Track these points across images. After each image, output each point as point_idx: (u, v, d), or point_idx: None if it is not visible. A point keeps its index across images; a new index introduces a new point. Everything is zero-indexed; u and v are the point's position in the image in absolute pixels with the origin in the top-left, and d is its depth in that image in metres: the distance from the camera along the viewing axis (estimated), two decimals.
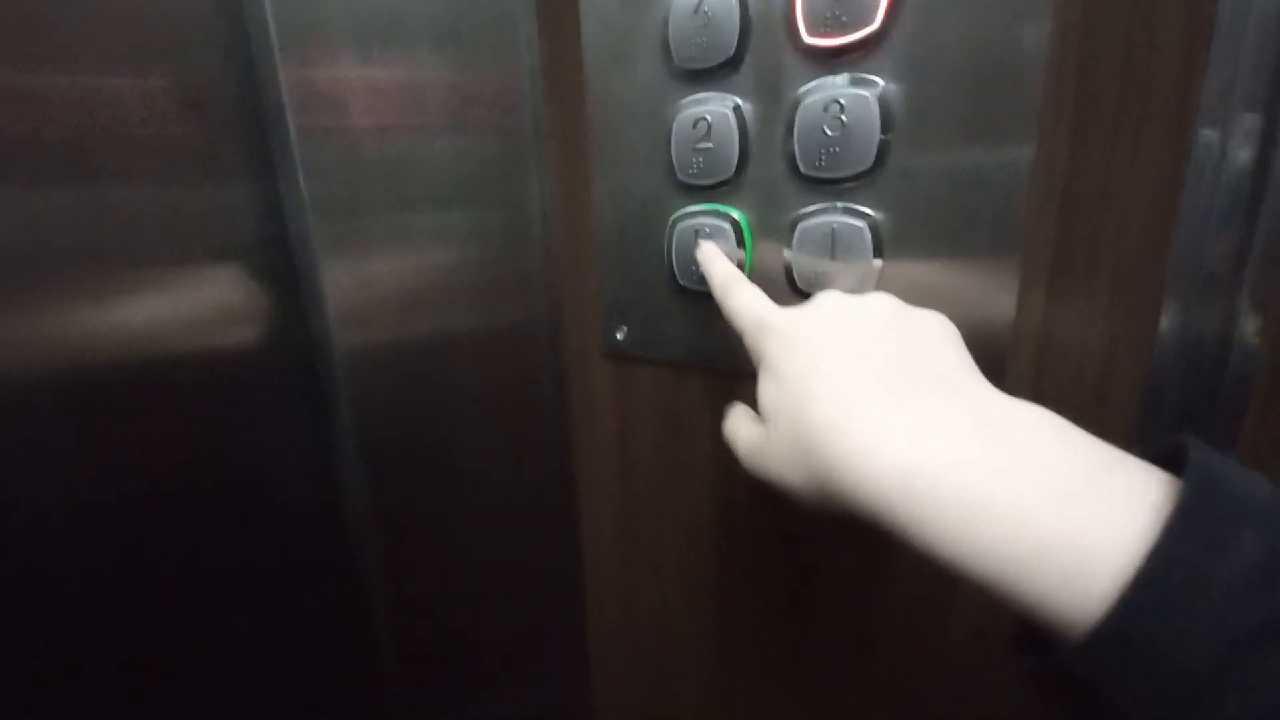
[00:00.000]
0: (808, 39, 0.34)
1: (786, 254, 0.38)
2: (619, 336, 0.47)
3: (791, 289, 0.39)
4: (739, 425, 0.33)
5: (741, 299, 0.34)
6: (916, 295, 0.35)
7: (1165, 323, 0.32)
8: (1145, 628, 0.18)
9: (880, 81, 0.34)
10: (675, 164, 0.40)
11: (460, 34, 0.40)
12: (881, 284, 0.36)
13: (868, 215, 0.36)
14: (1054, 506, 0.21)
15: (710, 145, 0.39)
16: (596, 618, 0.56)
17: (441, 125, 0.41)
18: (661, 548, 0.51)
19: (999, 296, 0.34)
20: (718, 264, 0.37)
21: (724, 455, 0.35)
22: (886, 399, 0.25)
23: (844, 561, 0.44)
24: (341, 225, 0.37)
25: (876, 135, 0.34)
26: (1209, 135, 0.29)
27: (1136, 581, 0.18)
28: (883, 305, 0.30)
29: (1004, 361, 0.35)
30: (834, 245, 0.37)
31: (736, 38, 0.36)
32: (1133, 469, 0.21)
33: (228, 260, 0.36)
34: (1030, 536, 0.20)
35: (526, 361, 0.48)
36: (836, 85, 0.35)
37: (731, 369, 0.43)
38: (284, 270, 0.37)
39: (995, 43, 0.31)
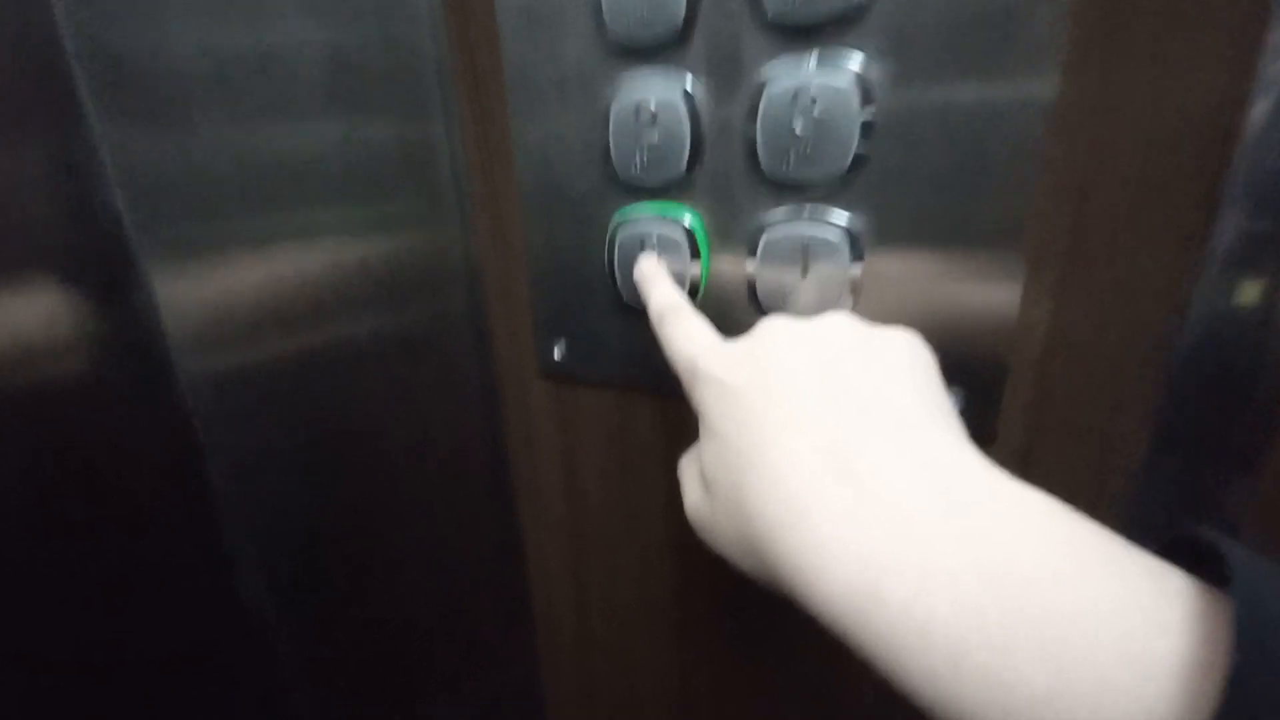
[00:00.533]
0: (771, 12, 0.28)
1: (749, 266, 0.33)
2: (556, 355, 0.40)
3: (755, 306, 0.33)
4: (688, 482, 0.28)
5: (676, 331, 0.28)
6: (902, 301, 0.30)
7: (1191, 321, 0.27)
8: None
9: (859, 62, 0.28)
10: (614, 158, 0.34)
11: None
12: (860, 290, 0.31)
13: (844, 228, 0.30)
14: (1044, 661, 0.15)
15: (656, 138, 0.32)
16: (551, 664, 0.51)
17: (316, 105, 0.33)
18: (616, 588, 0.46)
19: (999, 297, 0.29)
20: (656, 286, 0.31)
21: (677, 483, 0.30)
22: (837, 485, 0.20)
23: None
24: (174, 229, 0.29)
25: (856, 133, 0.28)
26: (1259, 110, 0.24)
27: None
28: (839, 331, 0.25)
29: (1006, 369, 0.30)
30: (805, 258, 0.31)
31: (685, 5, 0.29)
32: (1158, 584, 0.16)
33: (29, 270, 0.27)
34: (1013, 700, 0.16)
35: (449, 381, 0.42)
36: (807, 69, 0.28)
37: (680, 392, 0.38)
38: (103, 283, 0.29)
39: (1002, 8, 0.25)
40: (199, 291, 0.30)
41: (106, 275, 0.28)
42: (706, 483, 0.25)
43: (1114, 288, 0.28)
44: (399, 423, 0.40)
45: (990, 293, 0.29)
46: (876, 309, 0.31)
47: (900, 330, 0.25)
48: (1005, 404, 0.31)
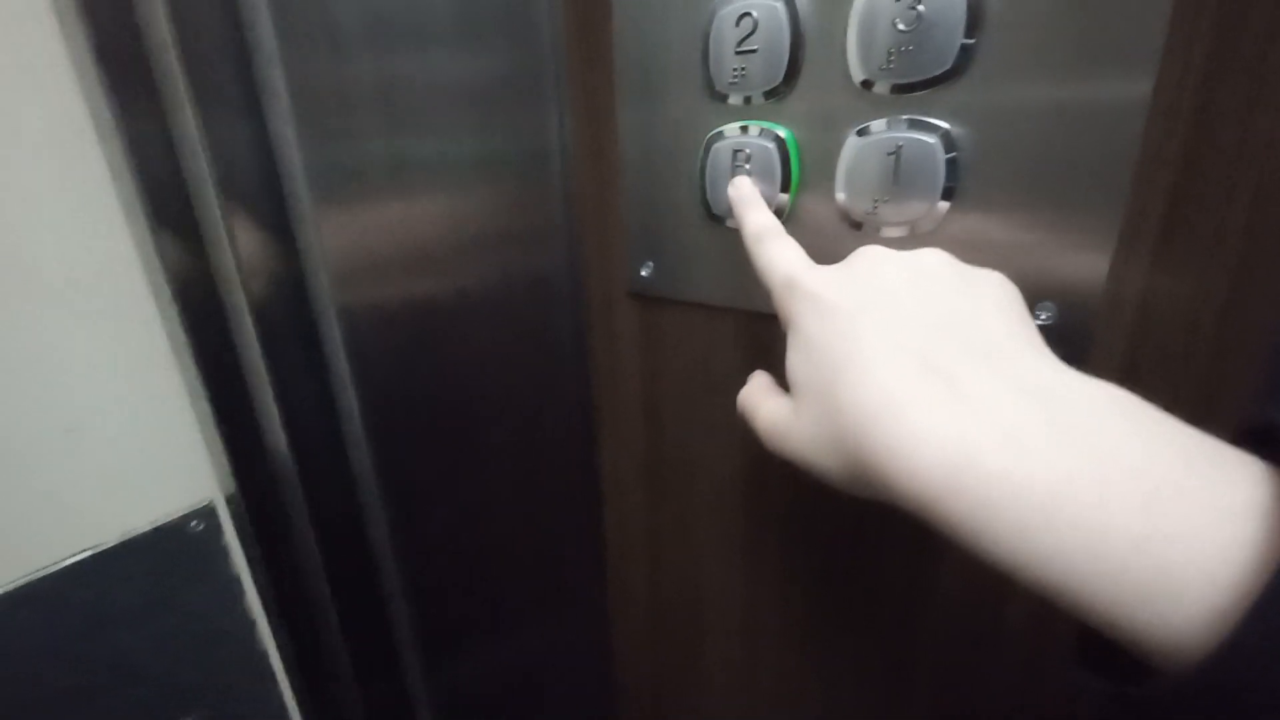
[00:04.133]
0: None
1: (839, 179, 0.33)
2: (644, 273, 0.42)
3: (847, 225, 0.34)
4: (759, 398, 0.29)
5: (772, 252, 0.29)
6: (988, 246, 0.30)
7: None
8: (1256, 673, 0.14)
9: None
10: (712, 71, 0.35)
11: None
12: (946, 229, 0.31)
13: (941, 129, 0.30)
14: (1136, 510, 0.16)
15: (756, 47, 0.33)
16: (618, 576, 0.53)
17: (445, 39, 0.35)
18: (689, 505, 0.48)
19: (1090, 254, 0.28)
20: (751, 210, 0.32)
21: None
22: (931, 381, 0.21)
23: (891, 528, 0.40)
24: (334, 161, 0.33)
25: (960, 30, 0.28)
26: None
27: (1249, 618, 0.14)
28: (932, 262, 0.25)
29: (1090, 336, 0.29)
30: (898, 168, 0.31)
31: None
32: (1229, 462, 0.17)
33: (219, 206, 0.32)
34: (1105, 545, 0.17)
35: (547, 302, 0.44)
36: None
37: (771, 312, 0.38)
38: (277, 219, 0.33)
39: None
40: (349, 225, 0.34)
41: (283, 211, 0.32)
42: (794, 388, 0.26)
43: (1219, 259, 0.26)
44: (495, 339, 0.43)
45: (1084, 236, 0.28)
46: (965, 242, 0.30)
47: (992, 270, 0.26)
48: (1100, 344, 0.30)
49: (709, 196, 0.37)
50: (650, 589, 0.53)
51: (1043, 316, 0.30)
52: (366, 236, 0.35)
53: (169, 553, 0.40)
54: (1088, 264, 0.28)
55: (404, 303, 0.37)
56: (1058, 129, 0.27)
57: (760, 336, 0.40)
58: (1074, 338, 0.29)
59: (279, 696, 0.46)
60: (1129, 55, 0.25)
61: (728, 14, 0.33)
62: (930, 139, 0.30)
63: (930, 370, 0.21)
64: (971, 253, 0.29)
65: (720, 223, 0.37)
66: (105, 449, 0.37)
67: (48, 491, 0.36)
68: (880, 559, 0.40)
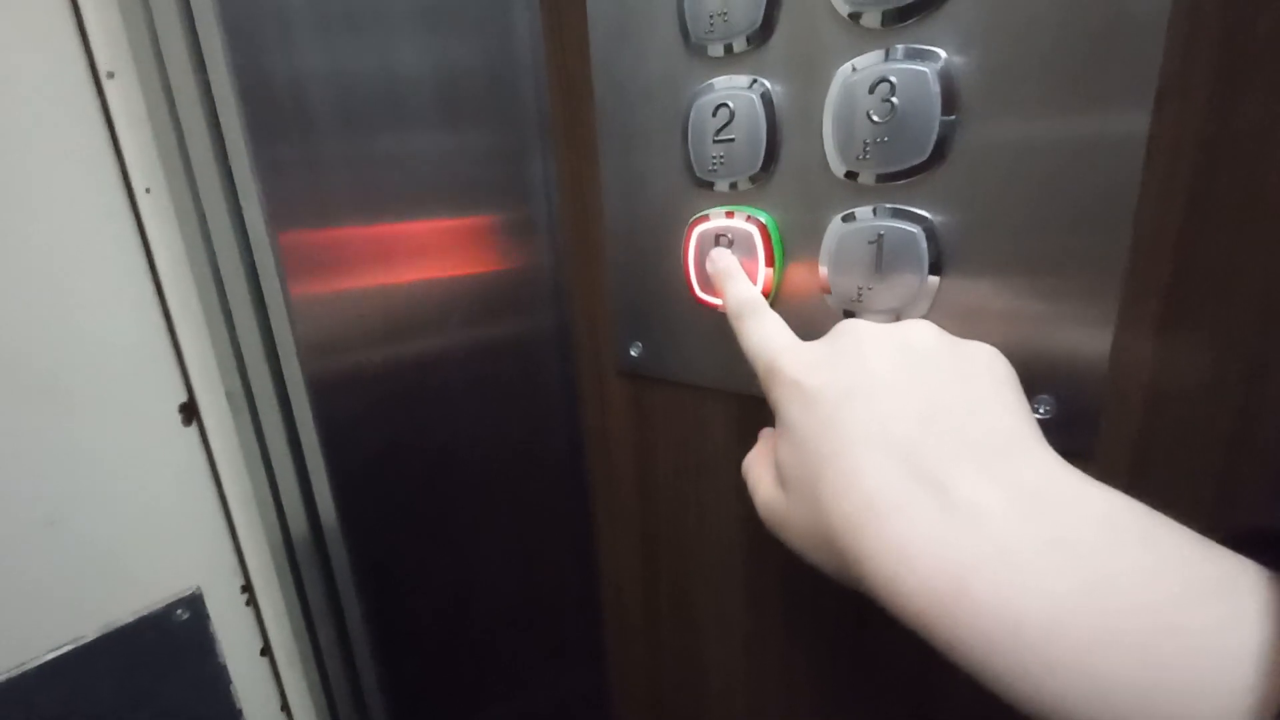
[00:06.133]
0: (850, 8, 0.28)
1: (824, 264, 0.32)
2: (634, 353, 0.41)
3: (830, 307, 0.33)
4: (759, 473, 0.28)
5: (754, 332, 0.29)
6: (981, 320, 0.29)
7: None
8: None
9: (942, 54, 0.27)
10: (692, 158, 0.35)
11: (449, 10, 0.36)
12: (938, 306, 0.30)
13: (923, 218, 0.29)
14: (1136, 659, 0.15)
15: (733, 137, 0.33)
16: (618, 660, 0.51)
17: (428, 115, 0.36)
18: (687, 583, 0.46)
19: (1091, 324, 0.27)
20: (732, 282, 0.32)
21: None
22: (919, 488, 0.20)
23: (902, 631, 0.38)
24: (304, 233, 0.33)
25: (936, 119, 0.27)
26: None
27: None
28: (920, 336, 0.24)
29: (1096, 415, 0.28)
30: (880, 255, 0.30)
31: (763, 9, 0.30)
32: (1233, 580, 0.16)
33: None
34: (1106, 698, 0.16)
35: (535, 376, 0.44)
36: (886, 61, 0.28)
37: (758, 391, 0.37)
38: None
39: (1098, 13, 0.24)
40: (325, 298, 0.34)
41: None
42: (783, 480, 0.25)
43: (1235, 324, 0.25)
44: (483, 413, 0.42)
45: (1082, 313, 0.27)
46: (954, 320, 0.29)
47: (983, 344, 0.25)
48: (1106, 433, 0.28)
49: (694, 279, 0.36)
50: (651, 669, 0.51)
51: (1041, 410, 0.28)
52: (344, 313, 0.34)
53: (151, 644, 0.39)
54: (1087, 343, 0.27)
55: (381, 376, 0.37)
56: (1046, 204, 0.26)
57: (751, 417, 0.39)
58: (1077, 424, 0.28)
59: None
60: (1121, 115, 0.25)
61: (705, 104, 0.33)
62: (912, 228, 0.29)
63: (917, 475, 0.20)
64: (962, 334, 0.28)
65: (706, 305, 0.37)
66: (86, 538, 0.37)
67: (27, 584, 0.35)
68: (889, 634, 0.38)
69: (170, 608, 0.40)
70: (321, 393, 0.32)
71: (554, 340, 0.44)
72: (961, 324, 0.29)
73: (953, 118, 0.27)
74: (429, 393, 0.38)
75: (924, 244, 0.29)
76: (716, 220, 0.35)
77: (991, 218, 0.28)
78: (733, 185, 0.34)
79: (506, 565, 0.45)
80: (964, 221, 0.28)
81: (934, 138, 0.27)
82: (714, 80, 0.33)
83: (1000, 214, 0.27)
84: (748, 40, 0.31)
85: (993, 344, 0.25)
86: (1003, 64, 0.26)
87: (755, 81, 0.32)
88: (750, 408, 0.38)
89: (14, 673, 0.35)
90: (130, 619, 0.38)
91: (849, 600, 0.38)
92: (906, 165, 0.28)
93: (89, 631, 0.37)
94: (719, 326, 0.37)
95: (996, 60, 0.26)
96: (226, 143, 0.29)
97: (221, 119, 0.29)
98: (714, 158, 0.34)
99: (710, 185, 0.35)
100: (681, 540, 0.45)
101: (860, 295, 0.31)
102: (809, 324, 0.33)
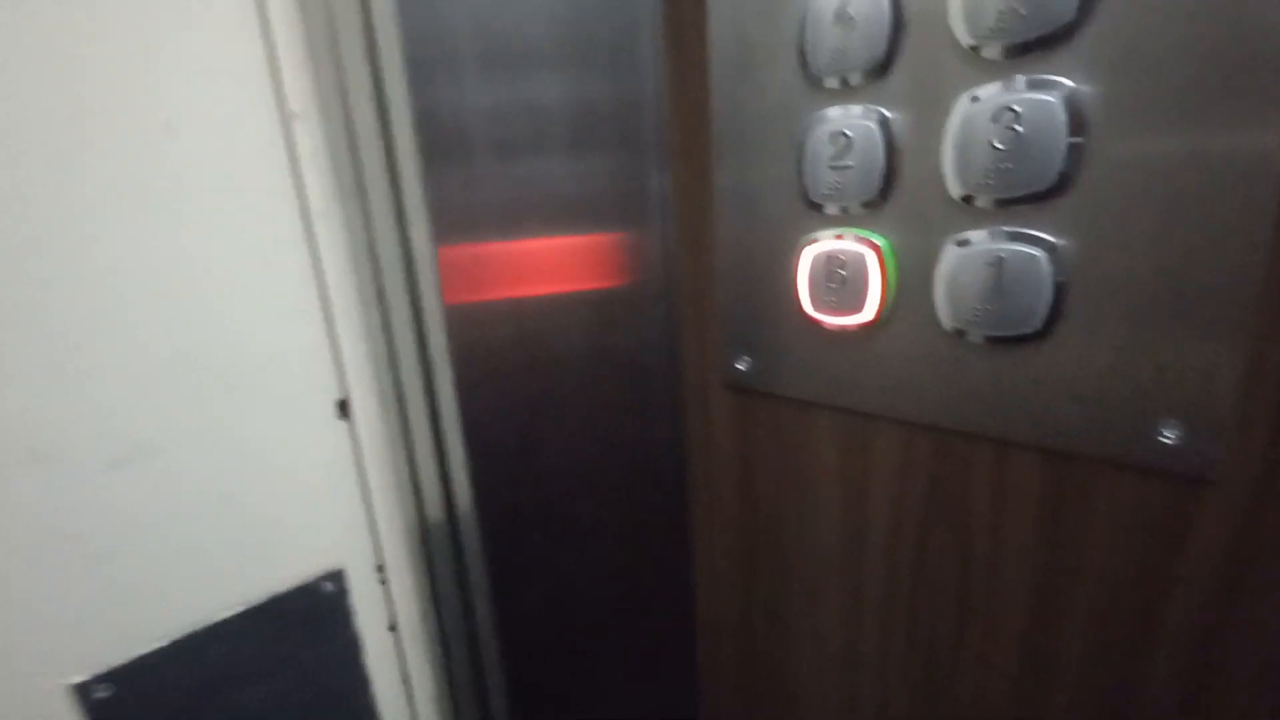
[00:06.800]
0: (973, 40, 0.29)
1: (937, 289, 0.33)
2: (741, 367, 0.43)
3: (940, 327, 0.34)
4: None
5: None
6: (1107, 341, 0.29)
7: None
8: None
9: (1067, 82, 0.28)
10: (806, 183, 0.36)
11: (583, 49, 0.39)
12: (1060, 328, 0.30)
13: (1046, 241, 0.30)
14: None
15: (849, 163, 0.34)
16: (711, 667, 0.53)
17: (561, 142, 0.40)
18: (783, 602, 0.47)
19: (1223, 346, 0.27)
20: None
21: (854, 502, 0.31)
22: None
23: (1001, 620, 0.38)
24: (457, 249, 0.37)
25: (1062, 146, 0.28)
26: None
27: None
28: None
29: (1223, 440, 0.27)
30: (1000, 278, 0.31)
31: (886, 44, 0.32)
32: None
33: None
34: None
35: (644, 386, 0.47)
36: (1009, 91, 0.29)
37: (865, 409, 0.38)
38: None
39: (1238, 18, 0.24)
40: (470, 308, 0.38)
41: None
42: None
43: None
44: (596, 418, 0.45)
45: (1213, 335, 0.27)
46: (1078, 342, 0.30)
47: None
48: (1232, 458, 0.28)
49: (808, 298, 0.38)
50: (741, 678, 0.52)
51: (1168, 436, 0.28)
52: (484, 322, 0.38)
53: (302, 611, 0.44)
54: (1218, 366, 0.27)
55: (512, 380, 0.40)
56: (1177, 226, 0.26)
57: (856, 433, 0.40)
58: (1203, 450, 0.27)
59: None
60: (1258, 134, 0.25)
61: (821, 132, 0.35)
62: (1035, 251, 0.30)
63: None
64: (1084, 366, 0.28)
65: (814, 324, 0.38)
66: (253, 515, 0.42)
67: (205, 553, 0.41)
68: (988, 657, 0.38)
69: (319, 580, 0.45)
70: (465, 394, 0.36)
71: (663, 353, 0.46)
72: (1085, 346, 0.29)
73: (1079, 142, 0.28)
74: (551, 397, 0.41)
75: (1047, 266, 0.29)
76: (827, 242, 0.36)
77: (1118, 240, 0.28)
78: (844, 209, 0.36)
79: (611, 565, 0.48)
80: (1089, 244, 0.29)
81: (1059, 163, 0.28)
82: (830, 109, 0.35)
83: (1127, 236, 0.28)
84: (867, 73, 0.33)
85: (1119, 367, 0.25)
86: (1134, 91, 0.26)
87: (873, 111, 0.33)
88: (855, 424, 0.39)
89: (195, 628, 0.40)
90: (286, 588, 0.43)
91: (948, 622, 0.39)
92: (1029, 190, 0.29)
93: (254, 596, 0.42)
94: (829, 343, 0.38)
95: (1127, 87, 0.26)
96: (399, 171, 0.33)
97: (398, 150, 0.33)
98: (828, 182, 0.35)
99: (821, 208, 0.37)
100: (780, 554, 0.46)
101: (976, 316, 0.32)
102: (922, 344, 0.34)
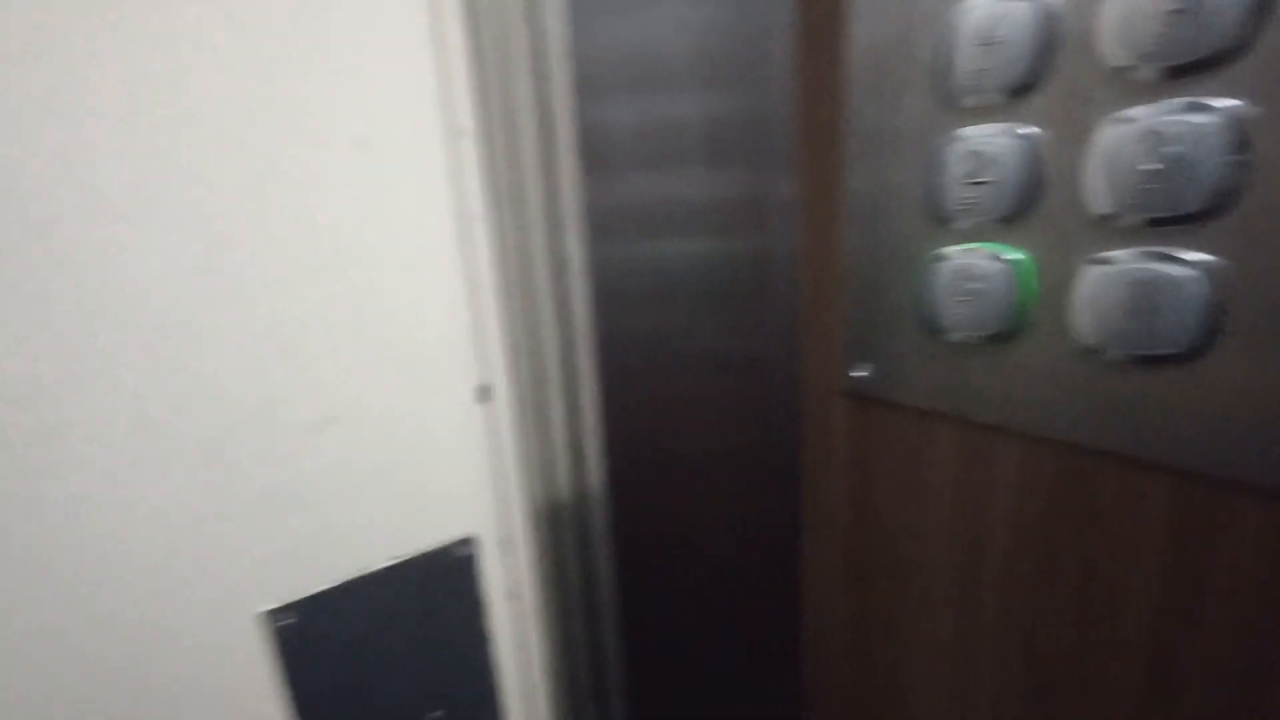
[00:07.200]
0: (1125, 62, 0.29)
1: (1079, 306, 0.33)
2: (862, 374, 0.44)
3: (1075, 344, 0.34)
4: None
5: None
6: (1266, 359, 0.28)
7: None
8: None
9: (1229, 104, 0.27)
10: (938, 198, 0.37)
11: (717, 72, 0.42)
12: (1207, 361, 0.29)
13: (1198, 262, 0.29)
14: None
15: (986, 180, 0.35)
16: (819, 673, 0.54)
17: (695, 155, 0.42)
18: (895, 611, 0.48)
19: None
20: None
21: (973, 513, 0.32)
22: None
23: (1123, 634, 0.37)
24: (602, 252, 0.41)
25: (1218, 168, 0.28)
26: None
27: None
28: None
29: None
30: (1146, 298, 0.31)
31: (1031, 65, 0.32)
32: None
33: None
34: None
35: (764, 391, 0.49)
36: (1164, 112, 0.29)
37: (988, 420, 0.39)
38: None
39: None
40: (609, 306, 0.42)
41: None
42: None
43: None
44: (719, 419, 0.48)
45: None
46: (1238, 364, 0.29)
47: None
48: None
49: (937, 311, 0.39)
50: (850, 683, 0.53)
51: None
52: (620, 320, 0.42)
53: (441, 569, 0.50)
54: None
55: (642, 376, 0.44)
56: None
57: (976, 443, 0.40)
58: None
59: (502, 707, 0.53)
60: None
61: (956, 149, 0.36)
62: (1186, 271, 0.29)
63: None
64: (1241, 387, 0.28)
65: (940, 335, 0.39)
66: (405, 483, 0.48)
67: (366, 511, 0.47)
68: (1108, 677, 0.37)
69: (456, 544, 0.50)
70: (602, 385, 0.40)
71: (784, 359, 0.48)
72: (1244, 368, 0.29)
73: (1241, 160, 0.27)
74: (677, 395, 0.44)
75: (1200, 286, 0.29)
76: (959, 255, 0.37)
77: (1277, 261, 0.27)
78: (977, 224, 0.36)
79: (723, 559, 0.50)
80: (1251, 264, 0.28)
81: (1216, 183, 0.28)
82: (967, 128, 0.35)
83: None
84: (1009, 93, 0.33)
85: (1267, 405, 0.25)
86: None
87: (1013, 129, 0.34)
88: (975, 434, 0.40)
89: (359, 573, 0.46)
90: (429, 548, 0.49)
91: (1067, 638, 0.38)
92: (1181, 211, 0.29)
93: (403, 552, 0.48)
94: (953, 353, 0.39)
95: None
96: (559, 182, 0.37)
97: (560, 163, 0.37)
98: (962, 197, 0.36)
99: (952, 222, 0.37)
100: (895, 561, 0.47)
101: (1116, 334, 0.32)
102: (1053, 359, 0.34)
